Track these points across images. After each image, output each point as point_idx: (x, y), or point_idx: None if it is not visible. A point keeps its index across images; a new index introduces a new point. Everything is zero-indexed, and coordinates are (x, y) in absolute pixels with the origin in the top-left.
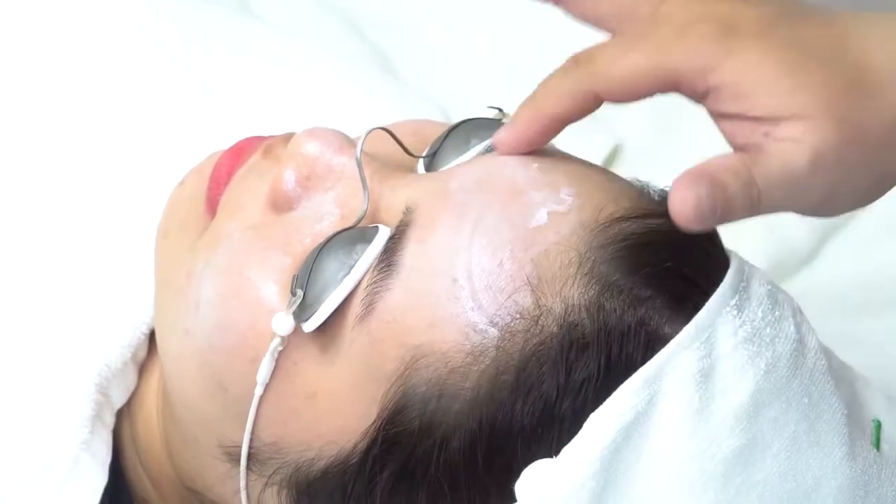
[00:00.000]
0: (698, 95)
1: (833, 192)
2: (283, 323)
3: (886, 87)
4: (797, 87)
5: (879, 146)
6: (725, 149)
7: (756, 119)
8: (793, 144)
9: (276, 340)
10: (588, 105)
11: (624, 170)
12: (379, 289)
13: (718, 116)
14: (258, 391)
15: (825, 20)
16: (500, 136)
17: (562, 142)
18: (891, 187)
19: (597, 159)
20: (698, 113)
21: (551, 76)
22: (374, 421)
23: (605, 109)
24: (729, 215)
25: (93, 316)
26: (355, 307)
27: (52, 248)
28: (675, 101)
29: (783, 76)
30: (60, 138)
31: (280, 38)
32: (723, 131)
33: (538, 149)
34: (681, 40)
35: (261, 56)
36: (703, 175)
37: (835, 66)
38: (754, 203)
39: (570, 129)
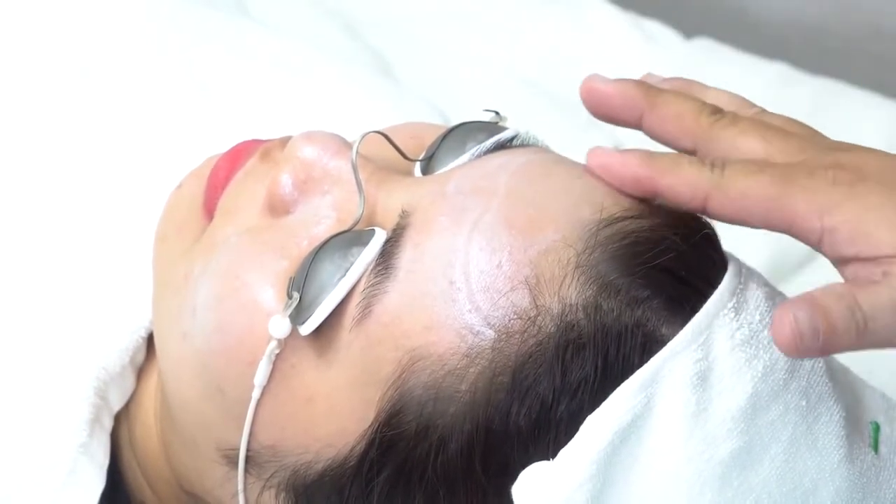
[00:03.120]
0: (814, 238)
1: None
2: (280, 326)
3: None
4: None
5: None
6: None
7: (874, 259)
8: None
9: (273, 343)
10: (695, 204)
11: None
12: (375, 292)
13: (837, 262)
14: (255, 394)
15: None
16: (602, 156)
17: (561, 143)
18: None
19: None
20: None
21: (685, 158)
22: (371, 424)
23: None
24: (834, 340)
25: (91, 319)
26: (352, 310)
27: (50, 251)
28: None
29: None
30: (59, 141)
31: (278, 40)
32: (844, 279)
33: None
34: (808, 179)
35: (259, 59)
36: (803, 299)
37: None
38: (860, 329)
39: (568, 130)
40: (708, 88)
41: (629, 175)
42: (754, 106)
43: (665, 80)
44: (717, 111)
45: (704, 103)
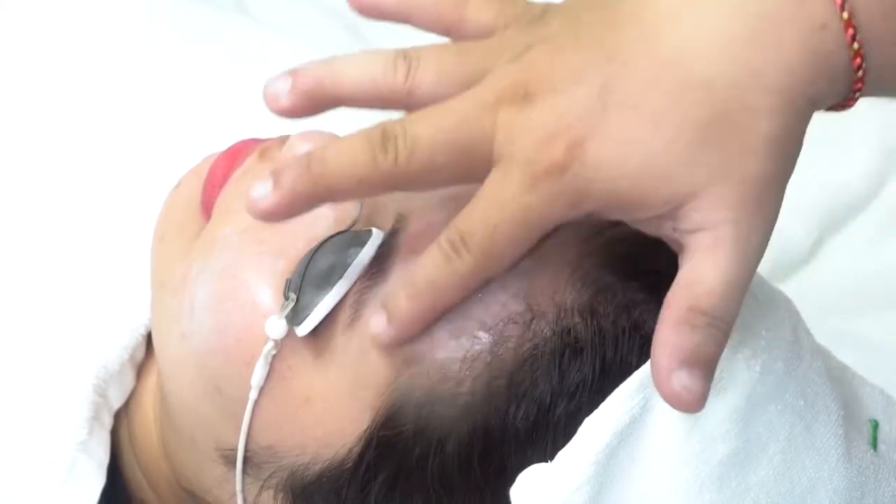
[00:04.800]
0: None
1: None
2: (277, 327)
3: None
4: (673, 166)
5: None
6: None
7: (647, 221)
8: (707, 236)
9: (270, 344)
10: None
11: None
12: (366, 294)
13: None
14: (253, 395)
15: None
16: (376, 327)
17: None
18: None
19: None
20: None
21: (426, 263)
22: (369, 426)
23: None
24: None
25: (91, 317)
26: (348, 312)
27: (50, 250)
28: None
29: (644, 158)
30: (58, 140)
31: (278, 39)
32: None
33: None
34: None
35: (258, 58)
36: (686, 362)
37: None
38: (727, 332)
39: None
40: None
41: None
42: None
43: None
44: (386, 137)
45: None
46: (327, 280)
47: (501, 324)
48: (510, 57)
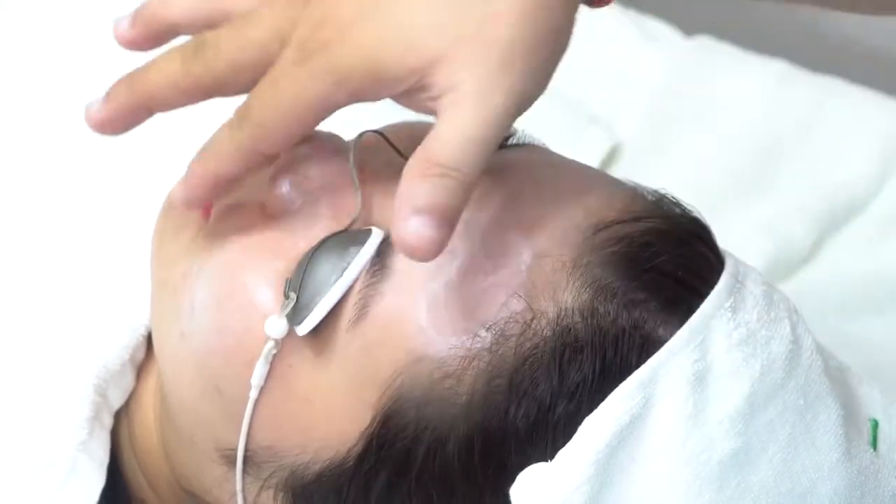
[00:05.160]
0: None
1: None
2: (277, 326)
3: None
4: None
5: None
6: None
7: (407, 97)
8: (448, 97)
9: (270, 344)
10: (259, 162)
11: (622, 171)
12: (372, 293)
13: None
14: (253, 394)
15: None
16: (174, 191)
17: (561, 143)
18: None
19: (595, 160)
20: (697, 113)
21: (217, 133)
22: (369, 425)
23: (604, 109)
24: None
25: (91, 317)
26: (348, 311)
27: (50, 250)
28: (674, 101)
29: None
30: (57, 141)
31: None
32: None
33: (534, 151)
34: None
35: None
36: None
37: None
38: (465, 184)
39: (568, 129)
40: None
41: (194, 199)
42: None
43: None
44: (197, 47)
45: (181, 49)
46: (327, 279)
47: (502, 322)
48: None
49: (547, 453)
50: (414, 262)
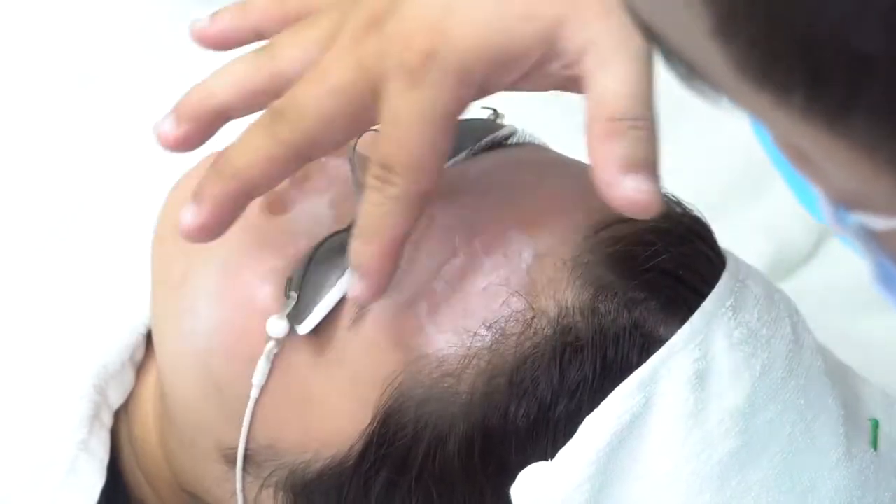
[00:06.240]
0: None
1: None
2: (278, 326)
3: None
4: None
5: None
6: (726, 147)
7: (538, 74)
8: (591, 56)
9: (271, 343)
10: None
11: None
12: None
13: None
14: (253, 393)
15: None
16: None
17: (561, 142)
18: None
19: None
20: (698, 112)
21: (367, 200)
22: (370, 424)
23: None
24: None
25: (91, 317)
26: (349, 310)
27: (50, 249)
28: (674, 100)
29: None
30: (58, 140)
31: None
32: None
33: (534, 150)
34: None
35: None
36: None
37: None
38: (652, 129)
39: (568, 129)
40: None
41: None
42: None
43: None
44: (275, 114)
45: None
46: (328, 279)
47: (503, 321)
48: (350, 4)
49: (547, 452)
50: (413, 263)
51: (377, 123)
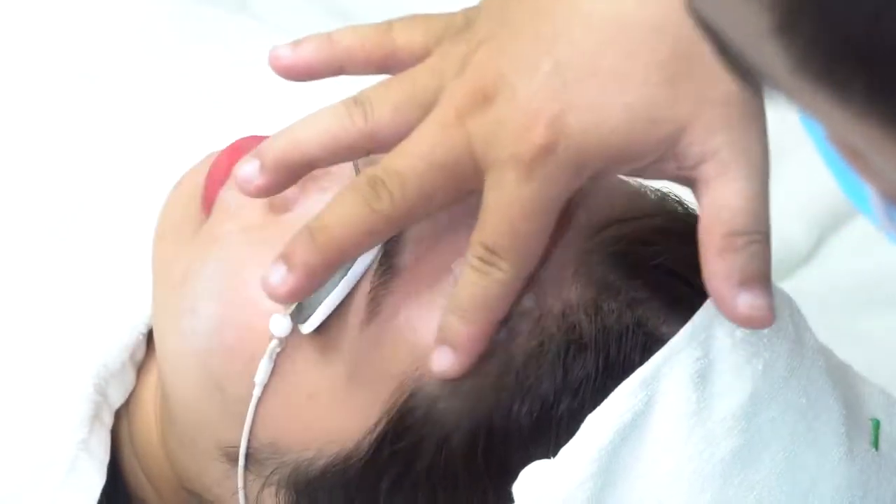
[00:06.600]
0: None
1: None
2: (281, 325)
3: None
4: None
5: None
6: None
7: (648, 168)
8: (711, 164)
9: (274, 342)
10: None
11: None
12: (383, 291)
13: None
14: (256, 392)
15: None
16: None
17: None
18: None
19: None
20: None
21: (467, 278)
22: (378, 421)
23: None
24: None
25: (91, 316)
26: (355, 309)
27: (50, 248)
28: None
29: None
30: (58, 139)
31: (279, 38)
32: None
33: None
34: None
35: (259, 56)
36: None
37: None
38: (767, 243)
39: None
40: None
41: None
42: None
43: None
44: (372, 181)
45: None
46: (331, 277)
47: (515, 318)
48: (455, 70)
49: (550, 450)
50: (421, 261)
51: (473, 195)
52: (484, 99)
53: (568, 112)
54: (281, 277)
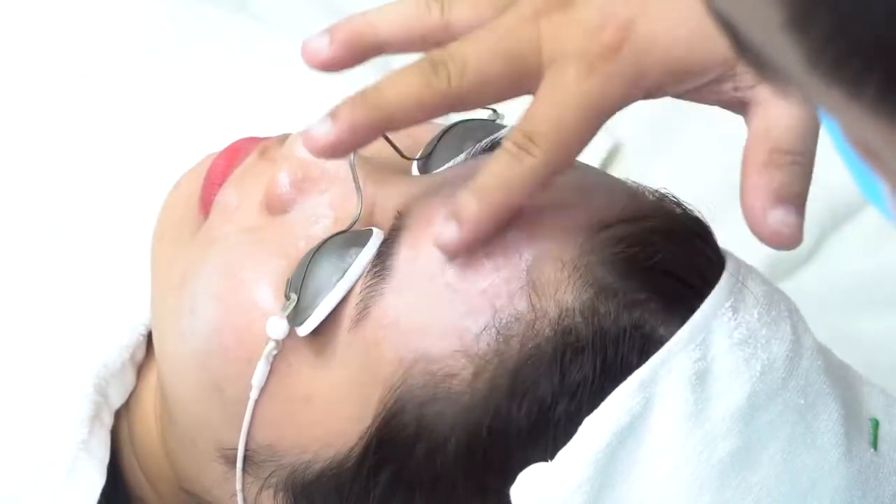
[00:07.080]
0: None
1: None
2: (278, 327)
3: None
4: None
5: None
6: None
7: (705, 88)
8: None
9: (271, 344)
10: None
11: (623, 170)
12: (373, 293)
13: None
14: (253, 394)
15: None
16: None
17: None
18: None
19: (595, 160)
20: (698, 112)
21: (494, 167)
22: (370, 424)
23: None
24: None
25: (91, 316)
26: (350, 311)
27: (50, 248)
28: (674, 101)
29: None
30: (58, 139)
31: (279, 38)
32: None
33: None
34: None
35: (260, 56)
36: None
37: None
38: (810, 169)
39: None
40: None
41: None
42: None
43: None
44: (435, 63)
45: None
46: (328, 280)
47: (504, 322)
48: None
49: (547, 453)
50: (414, 264)
51: (528, 94)
52: (562, 2)
53: (640, 18)
54: (324, 129)
